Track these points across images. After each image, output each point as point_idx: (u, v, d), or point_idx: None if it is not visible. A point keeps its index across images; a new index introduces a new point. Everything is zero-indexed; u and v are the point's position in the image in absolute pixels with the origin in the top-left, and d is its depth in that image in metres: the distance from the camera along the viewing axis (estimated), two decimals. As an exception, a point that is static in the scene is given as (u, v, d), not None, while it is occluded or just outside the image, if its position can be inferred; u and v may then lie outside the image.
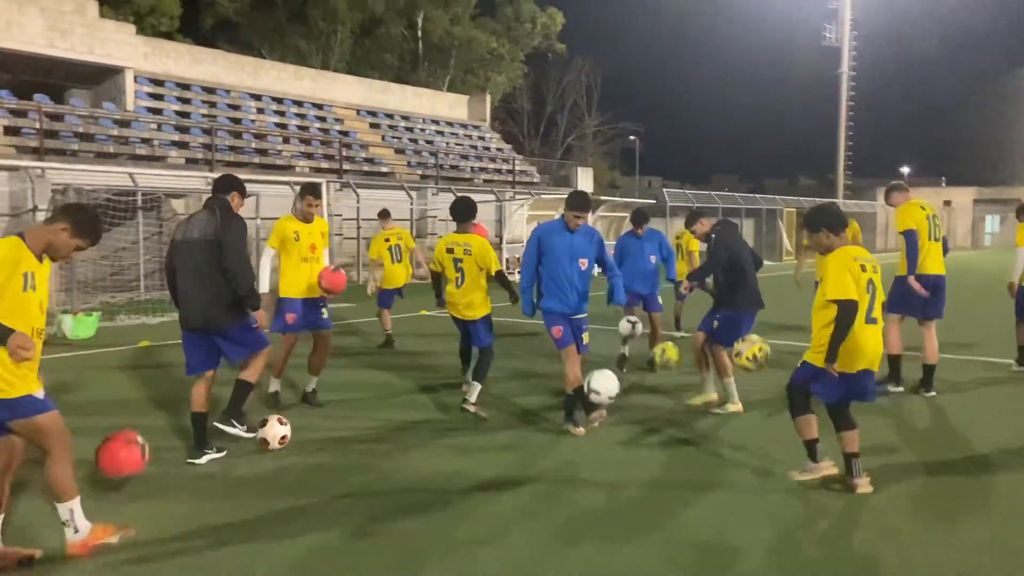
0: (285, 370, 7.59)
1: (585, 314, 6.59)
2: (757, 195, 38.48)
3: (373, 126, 33.71)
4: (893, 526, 4.71)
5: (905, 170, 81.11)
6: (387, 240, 11.44)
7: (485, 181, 34.00)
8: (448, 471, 5.69)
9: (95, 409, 7.54)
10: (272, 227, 7.39)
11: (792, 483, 5.38)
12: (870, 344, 5.10)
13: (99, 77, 25.63)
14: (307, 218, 7.32)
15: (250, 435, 6.03)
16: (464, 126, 38.75)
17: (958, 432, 6.79)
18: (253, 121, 28.54)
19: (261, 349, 5.94)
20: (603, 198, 33.44)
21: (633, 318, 8.79)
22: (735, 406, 7.32)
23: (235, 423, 5.96)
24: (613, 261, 6.68)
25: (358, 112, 33.79)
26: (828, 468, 5.37)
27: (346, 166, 28.81)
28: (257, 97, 30.14)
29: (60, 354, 10.50)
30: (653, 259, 9.16)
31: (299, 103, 31.51)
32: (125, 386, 8.74)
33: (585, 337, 6.56)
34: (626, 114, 75.65)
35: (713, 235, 7.28)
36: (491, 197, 27.52)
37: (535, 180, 37.56)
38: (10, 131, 21.19)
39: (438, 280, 7.31)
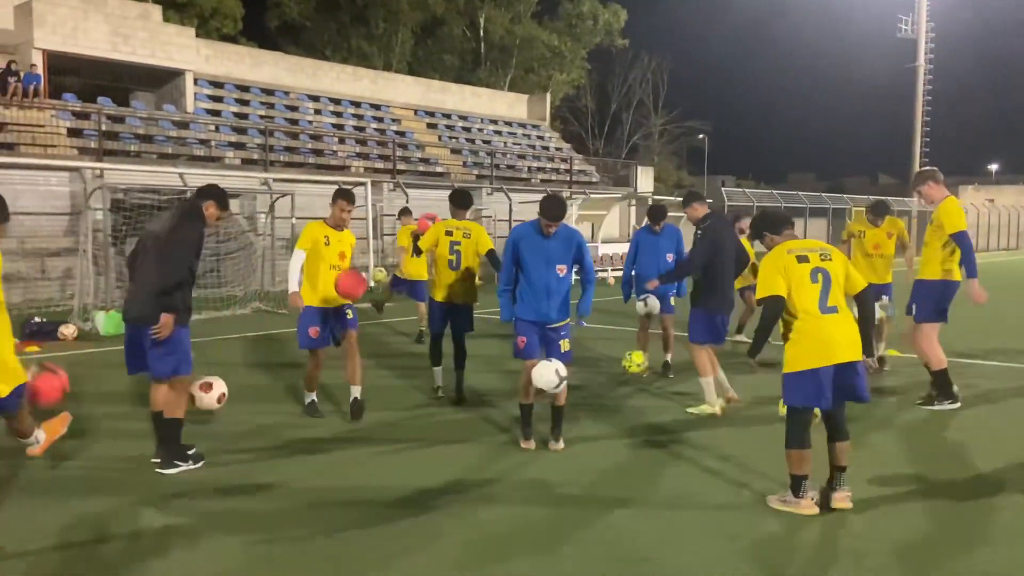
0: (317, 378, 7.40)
1: (564, 322, 6.17)
2: (824, 194, 37.18)
3: (430, 126, 33.86)
4: (868, 557, 4.33)
5: (993, 168, 77.62)
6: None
7: (542, 181, 33.78)
8: (403, 481, 5.53)
9: (100, 403, 7.63)
10: (303, 229, 7.18)
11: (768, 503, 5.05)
12: (836, 334, 4.77)
13: (161, 80, 26.36)
14: (339, 225, 7.09)
15: (199, 463, 5.72)
16: (523, 125, 38.61)
17: (972, 447, 6.28)
18: (310, 122, 28.98)
19: (174, 374, 5.55)
20: (663, 198, 32.87)
21: (646, 295, 8.56)
22: (711, 408, 7.12)
23: (178, 463, 5.61)
24: (592, 266, 6.21)
25: (415, 112, 33.99)
26: (808, 507, 4.87)
27: (401, 166, 29.01)
28: (315, 98, 30.60)
29: (87, 350, 10.76)
30: (670, 257, 8.70)
31: (357, 104, 31.86)
32: (136, 382, 8.81)
33: (564, 345, 6.13)
34: (694, 112, 74.39)
35: (702, 228, 7.14)
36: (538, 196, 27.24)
37: (594, 180, 37.17)
38: (73, 133, 21.95)
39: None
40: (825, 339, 4.75)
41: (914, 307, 7.45)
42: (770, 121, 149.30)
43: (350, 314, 7.06)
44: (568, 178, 34.57)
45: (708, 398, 7.14)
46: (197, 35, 34.15)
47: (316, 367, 7.15)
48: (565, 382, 5.90)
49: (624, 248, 27.00)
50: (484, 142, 34.62)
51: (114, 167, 18.60)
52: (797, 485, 4.89)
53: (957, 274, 7.33)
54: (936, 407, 7.36)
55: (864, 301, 5.00)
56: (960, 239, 7.12)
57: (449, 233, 7.45)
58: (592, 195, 26.74)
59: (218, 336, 11.65)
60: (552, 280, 5.96)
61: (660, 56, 58.90)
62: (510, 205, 25.98)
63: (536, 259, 5.94)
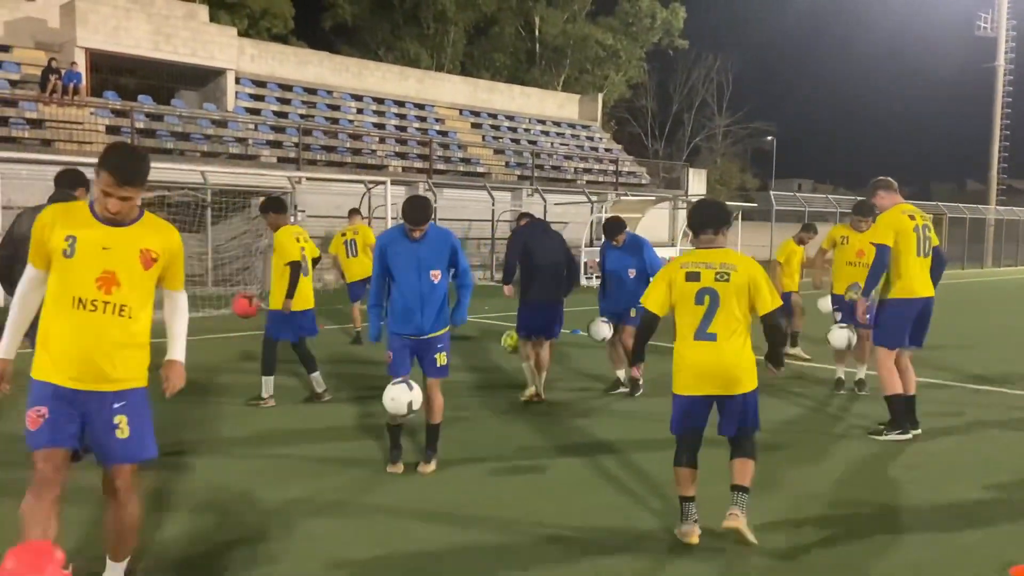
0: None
1: (441, 332, 5.51)
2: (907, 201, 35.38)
3: (475, 126, 33.52)
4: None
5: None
6: (343, 235, 11.69)
7: (588, 182, 33.11)
8: (297, 494, 5.04)
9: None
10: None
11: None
12: (705, 365, 4.30)
13: (205, 79, 26.65)
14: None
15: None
16: (572, 126, 37.96)
17: (932, 481, 5.46)
18: (351, 121, 28.93)
19: None
20: (686, 199, 31.83)
21: (604, 319, 8.04)
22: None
23: None
24: (468, 268, 5.61)
25: (460, 112, 33.70)
26: (690, 535, 4.32)
27: (440, 166, 28.74)
28: (358, 98, 30.57)
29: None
30: (632, 273, 7.87)
31: (401, 103, 31.73)
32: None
33: (440, 359, 5.51)
34: (760, 113, 72.18)
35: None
36: (582, 198, 26.61)
37: (643, 182, 36.30)
38: (112, 130, 22.29)
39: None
40: (692, 368, 4.33)
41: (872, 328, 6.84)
42: (847, 122, 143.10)
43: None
44: (615, 179, 33.80)
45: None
46: (247, 35, 34.77)
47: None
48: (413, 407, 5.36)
49: (666, 253, 26.19)
50: (530, 142, 34.12)
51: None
52: (681, 508, 4.42)
53: (919, 289, 6.49)
54: (884, 436, 6.53)
55: (769, 326, 4.36)
56: (878, 251, 6.42)
57: (296, 239, 7.45)
58: (623, 197, 25.90)
59: (203, 336, 11.43)
60: (425, 288, 5.35)
61: (725, 55, 57.39)
62: (544, 207, 25.41)
63: (406, 266, 5.35)
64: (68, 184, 5.61)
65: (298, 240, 7.37)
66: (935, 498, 5.16)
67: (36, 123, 21.18)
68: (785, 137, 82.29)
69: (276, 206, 7.46)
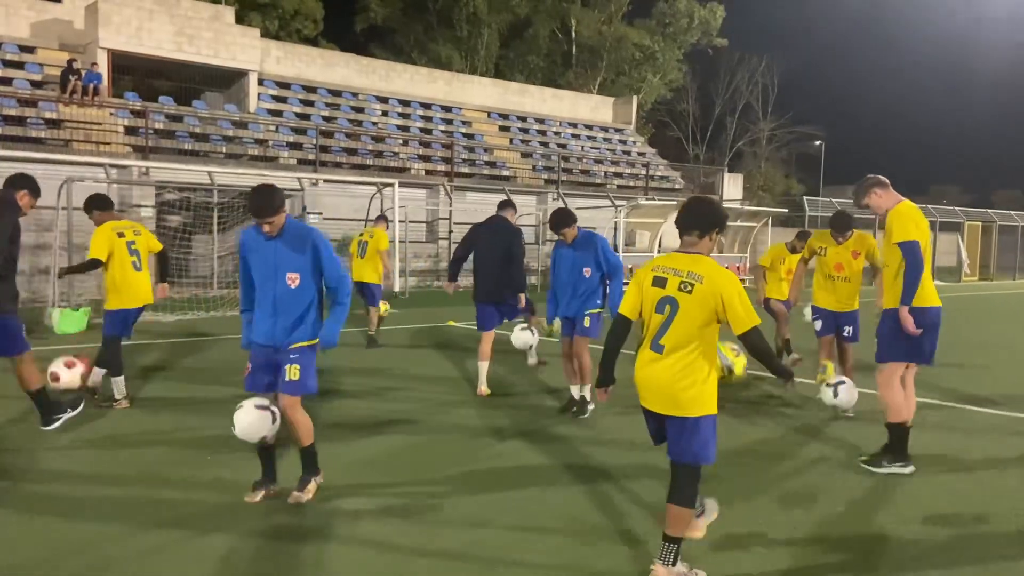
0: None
1: (303, 343, 4.74)
2: (930, 205, 33.93)
3: (502, 129, 33.03)
4: None
5: None
6: (360, 236, 11.83)
7: (619, 187, 32.39)
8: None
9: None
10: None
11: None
12: (646, 379, 3.97)
13: (229, 81, 26.63)
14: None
15: (78, 408, 6.62)
16: (605, 129, 37.25)
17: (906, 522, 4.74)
18: (374, 123, 28.67)
19: (14, 354, 6.11)
20: (742, 206, 30.85)
21: (525, 325, 7.87)
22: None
23: (56, 418, 6.42)
24: (343, 277, 4.82)
25: (488, 115, 33.24)
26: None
27: (464, 169, 28.32)
28: (384, 100, 30.32)
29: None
30: (588, 272, 7.16)
31: (427, 106, 31.40)
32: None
33: (291, 371, 4.67)
34: (809, 117, 70.30)
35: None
36: (606, 203, 25.91)
37: (677, 187, 35.41)
38: (130, 131, 22.32)
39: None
40: (639, 378, 4.01)
41: (876, 344, 5.87)
42: (901, 126, 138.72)
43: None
44: (645, 184, 33.00)
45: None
46: (278, 37, 34.84)
47: None
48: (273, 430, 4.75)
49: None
50: (560, 146, 33.50)
51: (125, 163, 18.71)
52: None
53: (930, 298, 5.67)
54: (883, 469, 5.70)
55: (749, 345, 3.93)
56: (908, 250, 5.50)
57: (121, 235, 7.22)
58: (642, 201, 25.11)
59: (167, 340, 11.12)
60: (280, 292, 4.66)
61: (770, 57, 56.01)
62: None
63: (261, 267, 4.70)
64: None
65: (123, 235, 7.20)
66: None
67: (55, 123, 21.28)
68: (834, 142, 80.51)
69: (98, 203, 7.33)
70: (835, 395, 7.17)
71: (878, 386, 5.88)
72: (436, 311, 15.50)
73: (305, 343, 4.75)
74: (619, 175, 33.71)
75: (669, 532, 3.84)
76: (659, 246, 27.36)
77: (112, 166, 18.01)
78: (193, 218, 19.30)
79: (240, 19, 32.33)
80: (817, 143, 62.44)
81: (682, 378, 3.83)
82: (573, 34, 46.49)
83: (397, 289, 19.78)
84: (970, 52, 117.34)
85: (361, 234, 11.85)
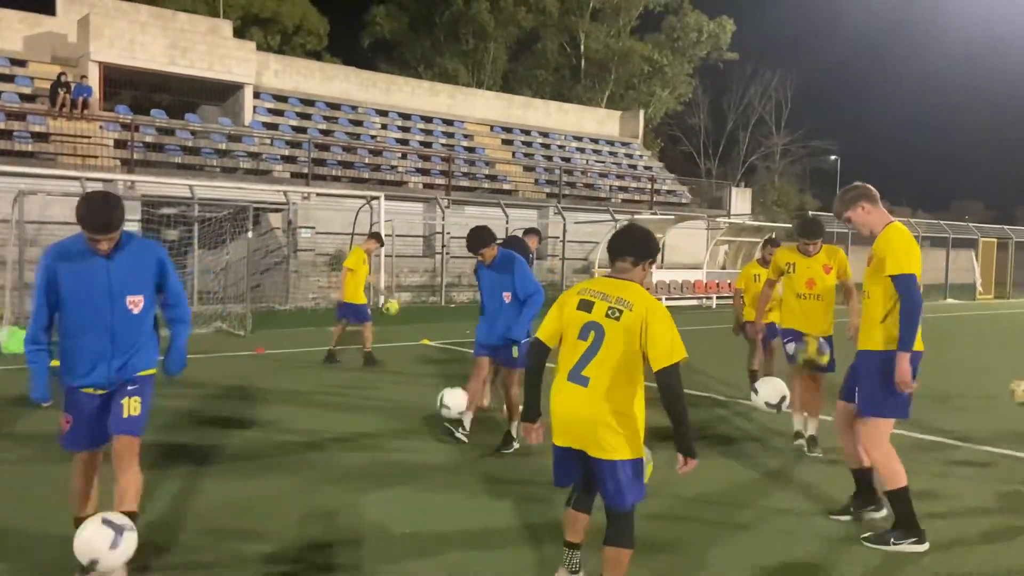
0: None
1: (144, 371, 3.99)
2: (943, 221, 33.02)
3: (505, 143, 32.57)
4: None
5: None
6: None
7: (623, 201, 31.82)
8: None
9: None
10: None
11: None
12: (566, 411, 3.60)
13: (225, 94, 26.37)
14: None
15: None
16: (611, 143, 36.71)
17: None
18: (373, 136, 28.29)
19: None
20: (728, 220, 30.15)
21: (459, 391, 6.78)
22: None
23: None
24: (182, 296, 4.16)
25: (491, 128, 32.81)
26: None
27: (465, 183, 27.86)
28: (384, 113, 29.96)
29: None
30: (507, 297, 6.48)
31: (428, 119, 31.01)
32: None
33: (130, 406, 3.88)
34: (824, 131, 69.28)
35: None
36: (606, 217, 25.31)
37: (684, 201, 34.78)
38: (120, 144, 22.04)
39: None
40: (556, 414, 3.64)
41: (856, 391, 4.90)
42: (922, 141, 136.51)
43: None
44: (651, 198, 32.37)
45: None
46: (281, 51, 34.64)
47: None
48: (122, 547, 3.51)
49: (691, 276, 24.70)
50: (564, 159, 32.99)
51: (108, 176, 18.38)
52: (564, 553, 3.85)
53: (920, 342, 4.71)
54: (892, 547, 4.57)
55: (663, 386, 3.48)
56: (905, 286, 4.55)
57: None
58: (638, 216, 24.48)
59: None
60: (119, 320, 3.89)
61: (784, 70, 55.26)
62: (564, 225, 24.22)
63: (87, 292, 3.85)
64: None
65: None
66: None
67: (43, 137, 21.05)
68: (850, 157, 79.34)
69: None
70: (756, 393, 6.47)
71: (866, 448, 4.85)
72: (422, 328, 14.91)
73: (146, 372, 4.01)
74: (624, 189, 33.13)
75: (608, 574, 3.61)
76: (662, 262, 26.76)
77: (88, 179, 17.65)
78: (204, 232, 18.84)
79: (241, 34, 32.20)
80: (832, 158, 61.59)
81: (611, 416, 3.50)
82: (582, 48, 46.02)
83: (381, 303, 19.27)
84: (994, 65, 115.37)
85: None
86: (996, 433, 7.38)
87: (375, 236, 11.69)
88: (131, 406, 3.90)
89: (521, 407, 4.07)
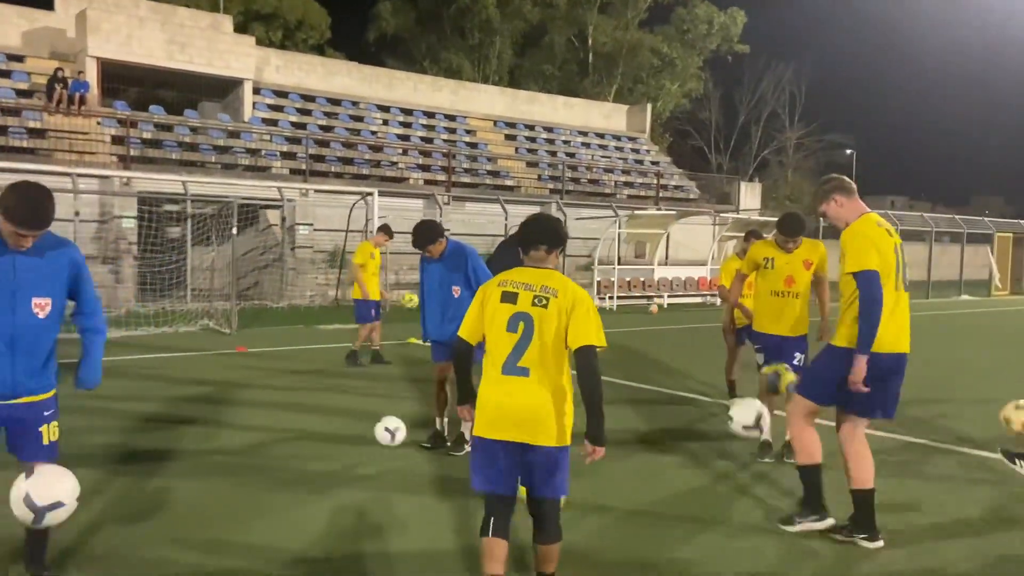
0: None
1: (46, 396, 3.65)
2: (957, 216, 32.35)
3: (509, 138, 32.21)
4: None
5: None
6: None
7: (629, 196, 31.40)
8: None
9: None
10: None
11: None
12: (509, 404, 3.55)
13: (225, 90, 26.17)
14: None
15: None
16: (618, 138, 36.28)
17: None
18: (373, 132, 28.03)
19: None
20: (736, 215, 29.66)
21: (394, 423, 6.49)
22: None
23: None
24: (96, 304, 3.80)
25: (495, 123, 32.47)
26: None
27: (466, 179, 27.56)
28: (385, 109, 29.68)
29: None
30: (457, 291, 6.23)
31: (431, 115, 30.70)
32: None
33: (49, 432, 3.65)
34: (839, 125, 68.56)
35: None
36: (609, 213, 24.95)
37: (692, 196, 34.32)
38: (117, 140, 21.87)
39: None
40: (496, 408, 3.57)
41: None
42: (940, 135, 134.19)
43: None
44: (656, 193, 31.93)
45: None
46: (284, 47, 34.45)
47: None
48: None
49: (695, 272, 24.28)
50: (568, 155, 32.60)
51: (98, 173, 18.23)
52: None
53: (891, 340, 4.51)
54: (797, 526, 4.71)
55: (583, 364, 3.52)
56: (863, 282, 4.41)
57: None
58: (638, 212, 24.04)
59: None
60: (20, 323, 3.51)
61: (797, 62, 54.55)
62: (565, 221, 23.79)
63: None
64: None
65: None
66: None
67: (38, 133, 20.91)
68: (866, 151, 78.28)
69: None
70: (731, 420, 5.99)
71: (788, 419, 4.94)
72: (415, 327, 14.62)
73: (53, 393, 3.69)
74: (630, 185, 32.70)
75: (546, 570, 3.66)
76: (666, 258, 26.38)
77: (80, 175, 17.49)
78: (205, 231, 18.60)
79: (243, 29, 32.02)
80: (848, 152, 60.87)
81: (552, 403, 3.53)
82: (589, 42, 45.53)
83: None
84: (1017, 55, 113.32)
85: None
86: (993, 438, 7.02)
87: (384, 229, 11.26)
88: (51, 431, 3.69)
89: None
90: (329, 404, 8.12)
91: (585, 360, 3.50)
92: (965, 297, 28.89)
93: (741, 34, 47.10)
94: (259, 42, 28.55)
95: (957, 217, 31.98)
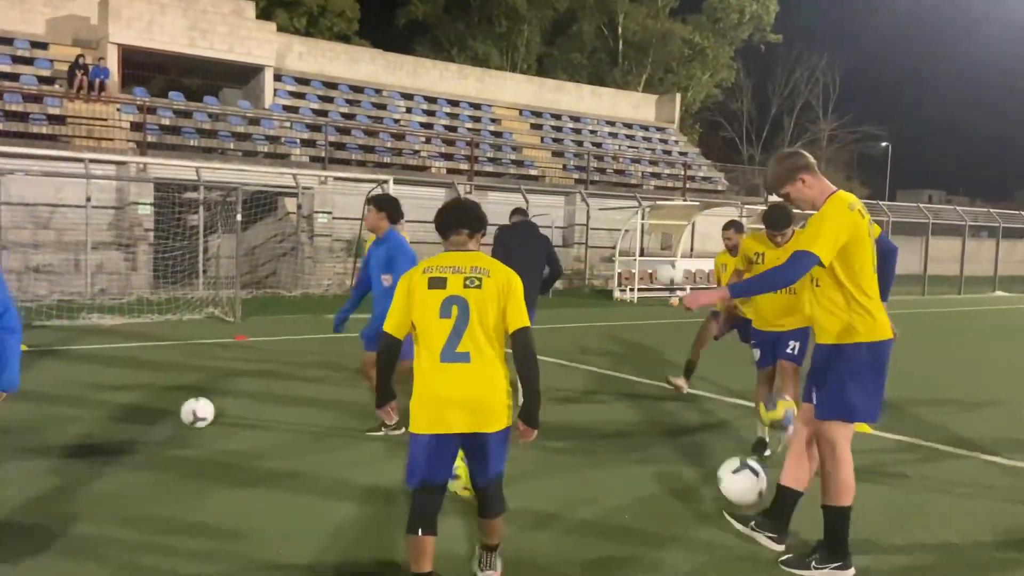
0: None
1: None
2: (992, 209, 31.31)
3: (534, 127, 31.76)
4: None
5: None
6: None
7: (656, 187, 30.81)
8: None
9: None
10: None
11: None
12: (452, 393, 3.42)
13: (247, 76, 26.05)
14: None
15: None
16: (646, 128, 35.65)
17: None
18: (396, 121, 27.76)
19: None
20: (764, 206, 28.93)
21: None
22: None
23: None
24: (10, 303, 3.54)
25: (520, 112, 32.03)
26: None
27: (490, 168, 27.18)
28: (409, 97, 29.40)
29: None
30: (388, 281, 5.83)
31: (455, 103, 30.35)
32: None
33: None
34: (874, 116, 67.03)
35: None
36: (632, 203, 24.41)
37: (719, 188, 33.62)
38: (136, 127, 21.82)
39: None
40: (439, 400, 3.45)
41: (813, 392, 4.12)
42: (980, 127, 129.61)
43: None
44: (683, 184, 31.29)
45: None
46: (309, 34, 34.29)
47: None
48: None
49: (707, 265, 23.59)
50: (595, 144, 32.07)
51: (112, 159, 18.09)
52: None
53: (878, 331, 3.96)
54: (813, 571, 4.01)
55: (523, 345, 3.47)
56: (798, 260, 3.85)
57: None
58: (661, 203, 23.46)
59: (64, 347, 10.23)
60: None
61: (831, 52, 53.37)
62: (588, 211, 23.42)
63: None
64: None
65: None
66: None
67: (58, 119, 20.92)
68: (902, 143, 76.76)
69: None
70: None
71: (822, 455, 4.10)
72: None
73: None
74: (657, 175, 32.10)
75: (492, 541, 3.72)
76: (691, 250, 25.77)
77: (94, 161, 17.41)
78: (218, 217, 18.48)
79: (267, 16, 31.86)
80: (883, 144, 59.44)
81: (496, 387, 3.47)
82: (619, 30, 44.83)
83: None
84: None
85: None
86: (1006, 441, 6.50)
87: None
88: None
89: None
90: (309, 395, 7.81)
91: (526, 339, 3.46)
92: (999, 293, 27.94)
93: (774, 23, 46.13)
94: (282, 29, 28.36)
95: (992, 211, 30.95)
